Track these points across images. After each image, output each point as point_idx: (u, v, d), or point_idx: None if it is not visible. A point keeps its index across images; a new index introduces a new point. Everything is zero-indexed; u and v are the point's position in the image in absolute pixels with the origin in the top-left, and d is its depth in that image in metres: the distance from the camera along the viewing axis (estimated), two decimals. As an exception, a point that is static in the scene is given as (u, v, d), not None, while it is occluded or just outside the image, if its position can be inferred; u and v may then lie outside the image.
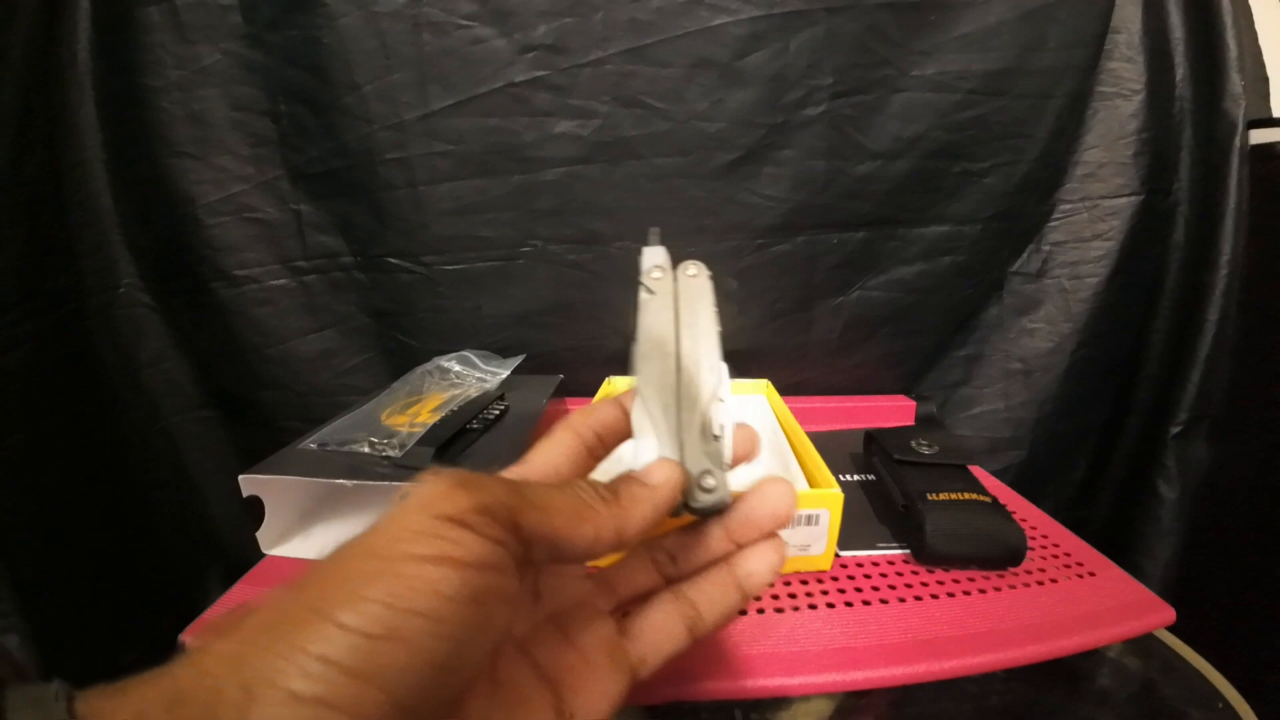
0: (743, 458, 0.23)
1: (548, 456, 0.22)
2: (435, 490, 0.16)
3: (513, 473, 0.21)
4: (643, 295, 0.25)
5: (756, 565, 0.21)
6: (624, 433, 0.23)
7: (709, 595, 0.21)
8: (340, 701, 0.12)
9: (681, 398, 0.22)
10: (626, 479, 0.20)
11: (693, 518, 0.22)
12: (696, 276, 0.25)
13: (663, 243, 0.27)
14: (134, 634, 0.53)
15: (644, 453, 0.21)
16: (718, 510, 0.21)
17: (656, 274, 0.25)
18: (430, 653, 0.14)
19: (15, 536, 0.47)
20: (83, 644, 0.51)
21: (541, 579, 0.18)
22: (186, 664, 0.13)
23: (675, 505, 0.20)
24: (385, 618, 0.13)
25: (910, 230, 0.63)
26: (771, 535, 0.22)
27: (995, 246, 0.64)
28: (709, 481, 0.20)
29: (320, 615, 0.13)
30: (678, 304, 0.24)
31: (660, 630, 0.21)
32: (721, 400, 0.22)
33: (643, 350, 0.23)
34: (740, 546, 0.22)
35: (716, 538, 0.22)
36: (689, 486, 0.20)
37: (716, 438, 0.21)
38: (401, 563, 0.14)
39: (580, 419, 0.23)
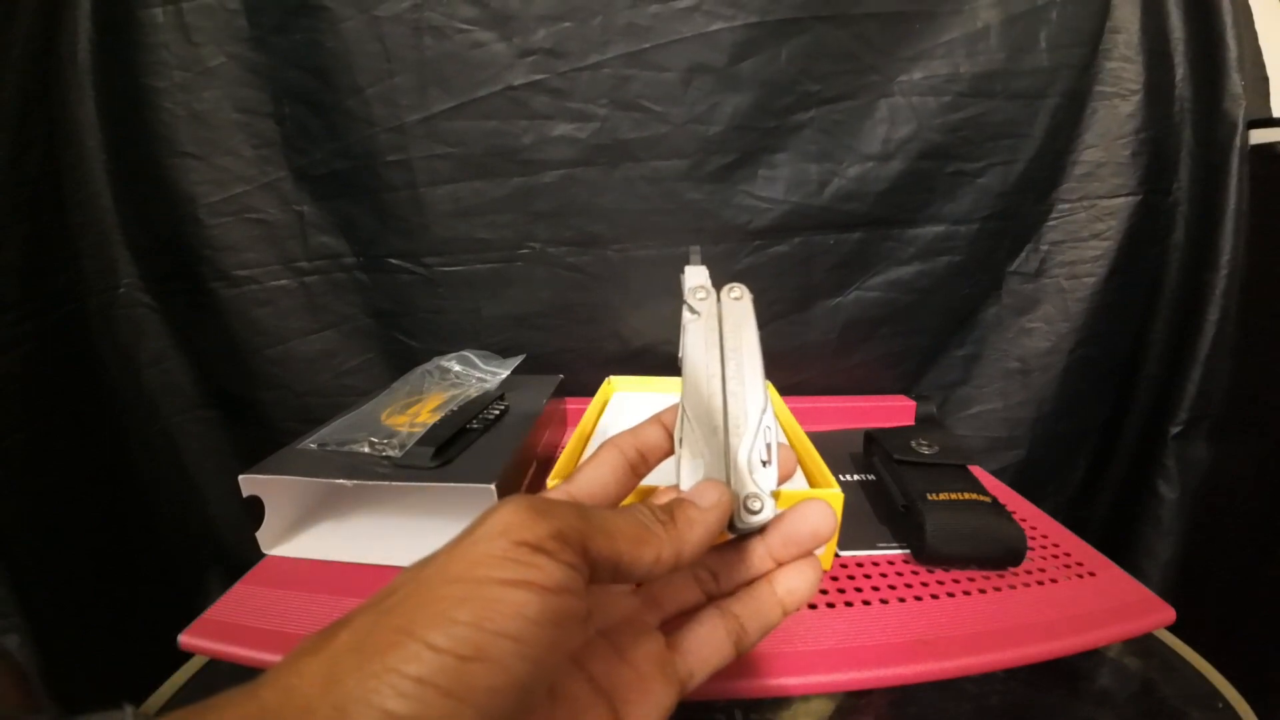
0: (784, 478, 0.23)
1: (595, 475, 0.22)
2: (514, 517, 0.16)
3: (561, 491, 0.22)
4: (686, 315, 0.25)
5: (797, 583, 0.22)
6: (666, 450, 0.24)
7: (752, 611, 0.22)
8: None
9: (728, 422, 0.23)
10: (680, 502, 0.21)
11: (731, 535, 0.22)
12: (740, 299, 0.26)
13: (703, 261, 0.27)
14: (134, 634, 0.53)
15: (691, 474, 0.22)
16: (758, 531, 0.22)
17: (700, 294, 0.26)
18: (516, 673, 0.14)
19: (15, 536, 0.47)
20: (83, 644, 0.51)
21: (591, 595, 0.19)
22: (270, 684, 0.14)
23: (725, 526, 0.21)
24: (475, 639, 0.14)
25: (906, 231, 0.63)
26: (809, 553, 0.22)
27: (992, 246, 0.64)
28: (754, 504, 0.21)
29: (412, 637, 0.14)
30: (722, 326, 0.25)
31: (708, 645, 0.21)
32: (769, 426, 0.22)
33: (689, 372, 0.24)
34: (780, 564, 0.22)
35: (758, 555, 0.22)
36: (735, 509, 0.21)
37: (765, 463, 0.22)
38: (487, 587, 0.15)
39: (625, 439, 0.24)
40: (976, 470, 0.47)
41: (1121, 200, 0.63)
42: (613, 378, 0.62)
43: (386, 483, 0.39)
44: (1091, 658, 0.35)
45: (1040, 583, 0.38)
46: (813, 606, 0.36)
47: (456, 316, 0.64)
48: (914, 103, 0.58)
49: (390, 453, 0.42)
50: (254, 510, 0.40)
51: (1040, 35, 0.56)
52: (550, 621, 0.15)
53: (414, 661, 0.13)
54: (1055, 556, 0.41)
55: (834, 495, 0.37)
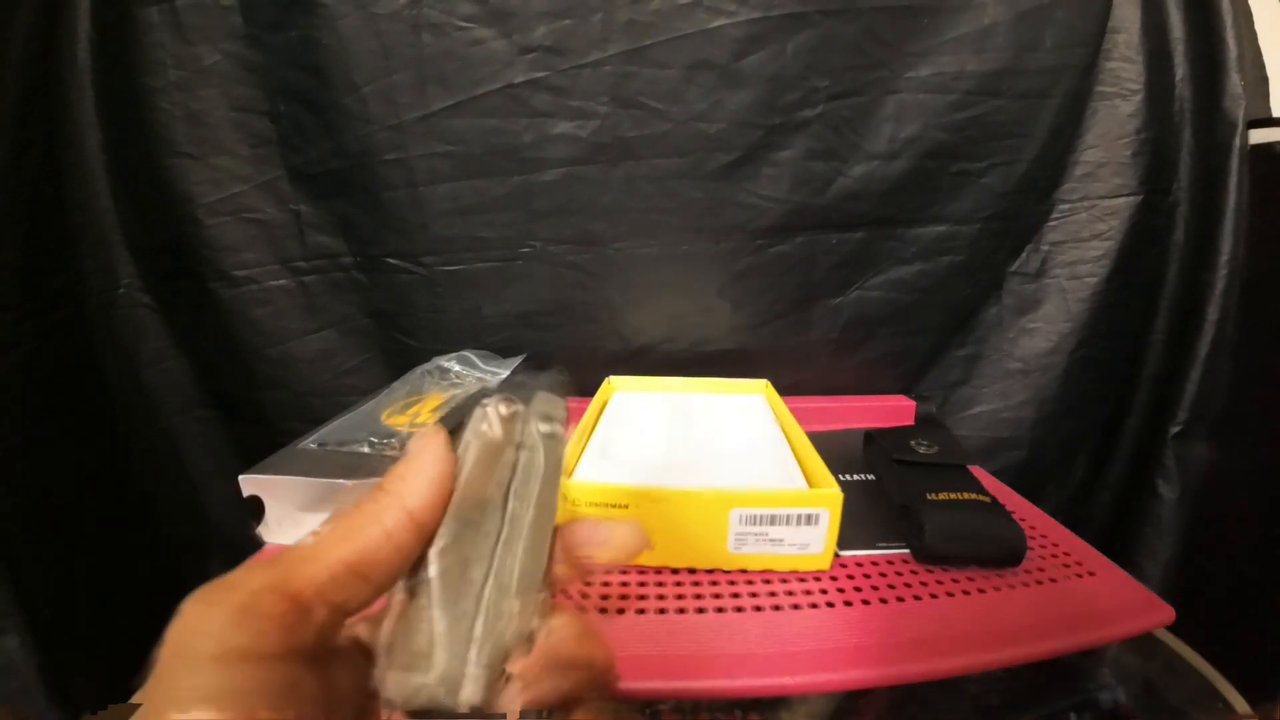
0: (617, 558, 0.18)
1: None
2: (180, 630, 0.13)
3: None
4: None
5: None
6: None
7: None
8: None
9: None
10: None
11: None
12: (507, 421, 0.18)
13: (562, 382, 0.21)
14: (134, 634, 0.53)
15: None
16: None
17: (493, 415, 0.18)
18: None
19: (15, 536, 0.47)
20: (83, 644, 0.51)
21: None
22: None
23: (448, 458, 0.17)
24: None
25: (908, 230, 0.63)
26: None
27: (994, 246, 0.64)
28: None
29: None
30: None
31: None
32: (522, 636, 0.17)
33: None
34: None
35: None
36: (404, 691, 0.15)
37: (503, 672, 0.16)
38: None
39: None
40: (976, 470, 0.47)
41: (1122, 200, 0.63)
42: (613, 378, 0.62)
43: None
44: (1091, 658, 0.35)
45: (1040, 583, 0.38)
46: (813, 606, 0.36)
47: (456, 316, 0.64)
48: (921, 100, 0.57)
49: (390, 453, 0.42)
50: (254, 510, 0.40)
51: (1045, 34, 0.56)
52: None
53: None
54: (1055, 556, 0.41)
55: (834, 495, 0.37)
